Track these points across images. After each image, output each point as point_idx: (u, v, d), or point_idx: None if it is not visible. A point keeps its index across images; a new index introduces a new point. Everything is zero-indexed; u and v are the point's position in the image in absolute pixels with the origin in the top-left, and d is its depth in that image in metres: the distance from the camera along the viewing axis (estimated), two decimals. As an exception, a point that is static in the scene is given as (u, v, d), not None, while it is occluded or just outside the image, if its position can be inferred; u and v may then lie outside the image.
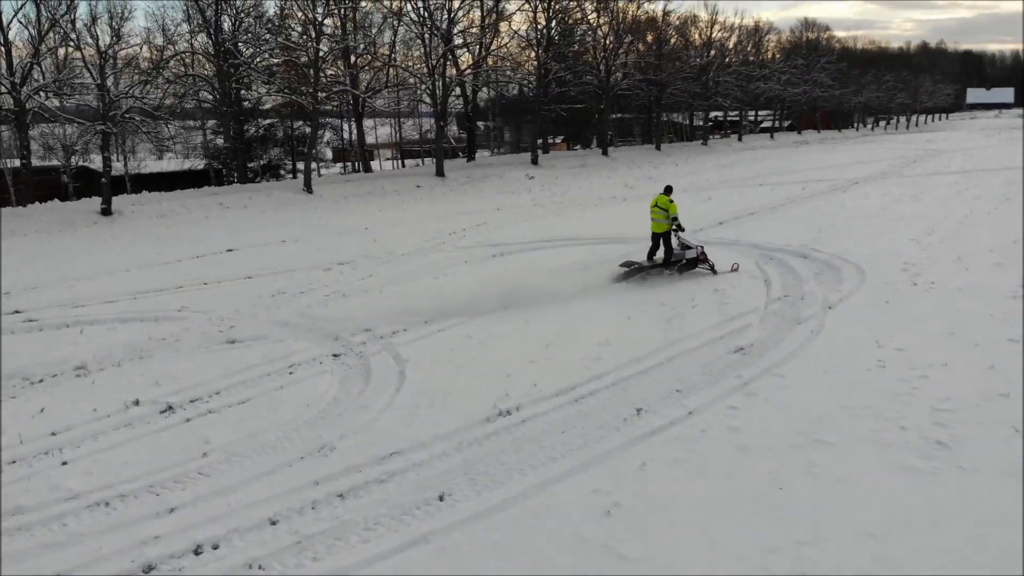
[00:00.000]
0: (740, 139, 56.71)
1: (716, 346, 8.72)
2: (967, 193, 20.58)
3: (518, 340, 9.39)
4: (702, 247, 12.72)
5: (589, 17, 44.51)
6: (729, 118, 67.81)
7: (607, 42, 43.83)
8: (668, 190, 12.77)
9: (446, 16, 33.87)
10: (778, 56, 68.03)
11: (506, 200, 24.71)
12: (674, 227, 12.44)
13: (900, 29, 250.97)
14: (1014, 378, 7.09)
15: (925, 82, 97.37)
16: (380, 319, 10.36)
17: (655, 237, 12.62)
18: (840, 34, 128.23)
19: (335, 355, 9.13)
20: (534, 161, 37.64)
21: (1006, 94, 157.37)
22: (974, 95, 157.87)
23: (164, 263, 15.67)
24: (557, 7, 41.24)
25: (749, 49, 58.97)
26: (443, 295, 11.61)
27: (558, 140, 55.27)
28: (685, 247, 12.57)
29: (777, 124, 73.57)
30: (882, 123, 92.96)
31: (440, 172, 32.85)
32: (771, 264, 12.83)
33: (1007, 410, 6.43)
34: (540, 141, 41.15)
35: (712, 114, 66.86)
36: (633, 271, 12.32)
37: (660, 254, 12.61)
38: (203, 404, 7.67)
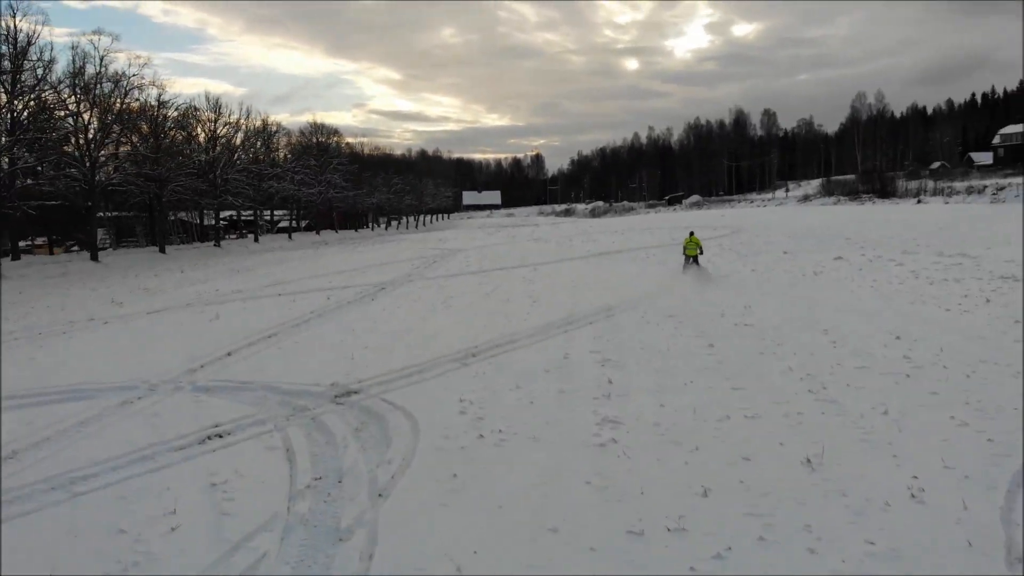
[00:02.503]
0: (257, 240, 53.27)
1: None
2: (494, 295, 19.90)
3: None
4: None
5: (66, 101, 37.28)
6: (245, 217, 64.13)
7: (91, 132, 37.02)
8: None
9: None
10: (289, 156, 67.07)
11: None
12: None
13: (401, 138, 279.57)
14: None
15: (428, 185, 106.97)
16: None
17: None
18: (349, 139, 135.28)
19: None
20: (-12, 273, 28.78)
21: (494, 196, 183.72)
22: (469, 197, 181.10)
23: None
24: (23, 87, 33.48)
25: (259, 147, 56.51)
26: None
27: (39, 241, 45.58)
28: None
29: (296, 224, 72.27)
30: (394, 223, 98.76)
31: None
32: (296, 420, 9.18)
33: None
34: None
35: (228, 213, 62.61)
36: None
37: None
38: None
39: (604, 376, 10.51)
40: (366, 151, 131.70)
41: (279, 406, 9.82)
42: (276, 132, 60.02)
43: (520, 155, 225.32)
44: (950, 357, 10.99)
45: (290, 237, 60.28)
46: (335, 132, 79.73)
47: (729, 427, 8.26)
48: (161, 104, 44.17)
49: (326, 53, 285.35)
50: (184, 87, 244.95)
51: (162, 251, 43.57)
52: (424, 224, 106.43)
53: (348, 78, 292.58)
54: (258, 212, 60.01)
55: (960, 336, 12.44)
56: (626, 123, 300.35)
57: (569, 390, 9.92)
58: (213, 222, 52.92)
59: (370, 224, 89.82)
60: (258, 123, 57.59)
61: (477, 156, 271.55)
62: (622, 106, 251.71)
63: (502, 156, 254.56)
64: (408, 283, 23.80)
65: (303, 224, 72.83)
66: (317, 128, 75.65)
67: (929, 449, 7.38)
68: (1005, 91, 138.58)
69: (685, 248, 24.48)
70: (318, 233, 67.64)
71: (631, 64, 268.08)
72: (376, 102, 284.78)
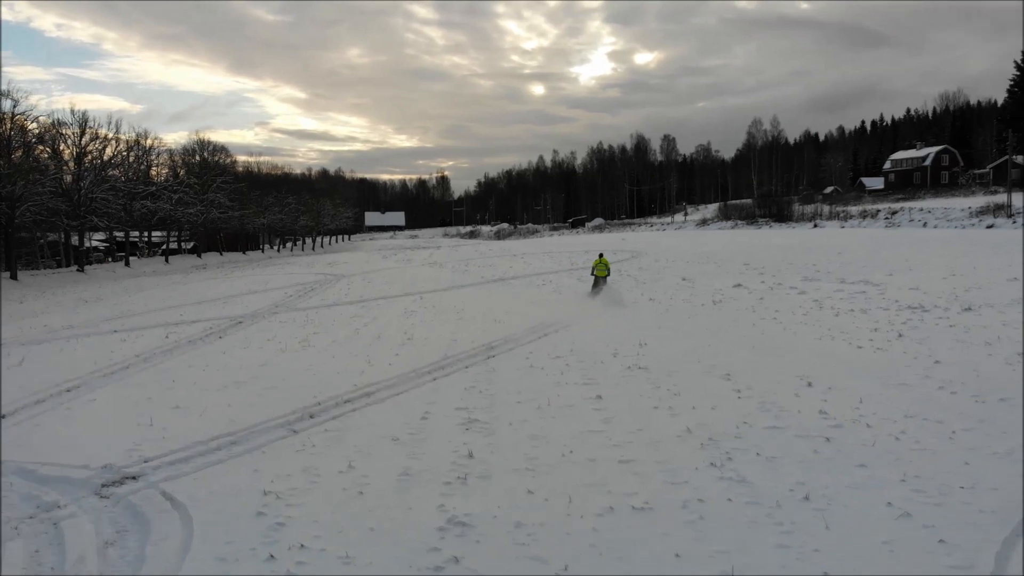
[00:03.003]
0: (127, 264, 48.82)
1: None
2: (365, 331, 17.55)
3: None
4: None
5: None
6: (133, 239, 59.47)
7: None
8: None
9: None
10: (166, 173, 62.68)
11: None
12: None
13: (306, 157, 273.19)
14: None
15: (326, 205, 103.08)
16: None
17: None
18: (244, 157, 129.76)
19: None
20: None
21: (398, 217, 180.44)
22: (371, 218, 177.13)
23: None
24: None
25: (131, 163, 51.99)
26: None
27: None
28: None
29: (179, 246, 67.63)
30: (288, 244, 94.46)
31: None
32: (29, 527, 6.63)
33: None
34: None
35: (109, 234, 57.82)
36: None
37: None
38: None
39: (465, 448, 8.38)
40: (263, 170, 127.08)
41: (21, 502, 7.23)
42: (151, 149, 55.41)
43: (426, 176, 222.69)
44: (872, 410, 9.40)
45: (167, 260, 55.88)
46: (222, 149, 75.38)
47: (610, 528, 6.24)
48: (13, 116, 39.78)
49: (228, 71, 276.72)
50: (79, 104, 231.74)
51: (13, 277, 38.95)
52: (322, 246, 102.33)
53: (251, 96, 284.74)
54: (136, 234, 55.36)
55: (878, 382, 10.94)
56: (534, 147, 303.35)
57: (416, 471, 7.71)
58: (89, 244, 48.17)
59: (262, 246, 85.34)
60: (130, 137, 53.01)
61: (384, 176, 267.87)
62: (529, 130, 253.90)
63: (408, 177, 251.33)
64: (271, 316, 21.11)
65: (188, 246, 68.22)
66: (202, 145, 71.26)
67: (867, 558, 5.57)
68: (893, 119, 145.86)
69: (594, 269, 24.31)
70: (199, 256, 63.17)
71: (538, 89, 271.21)
72: (280, 120, 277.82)
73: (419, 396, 10.90)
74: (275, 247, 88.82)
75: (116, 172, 48.86)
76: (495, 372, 12.46)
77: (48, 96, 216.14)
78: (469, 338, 15.89)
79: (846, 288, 22.62)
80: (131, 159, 51.56)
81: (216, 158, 71.59)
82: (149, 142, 55.69)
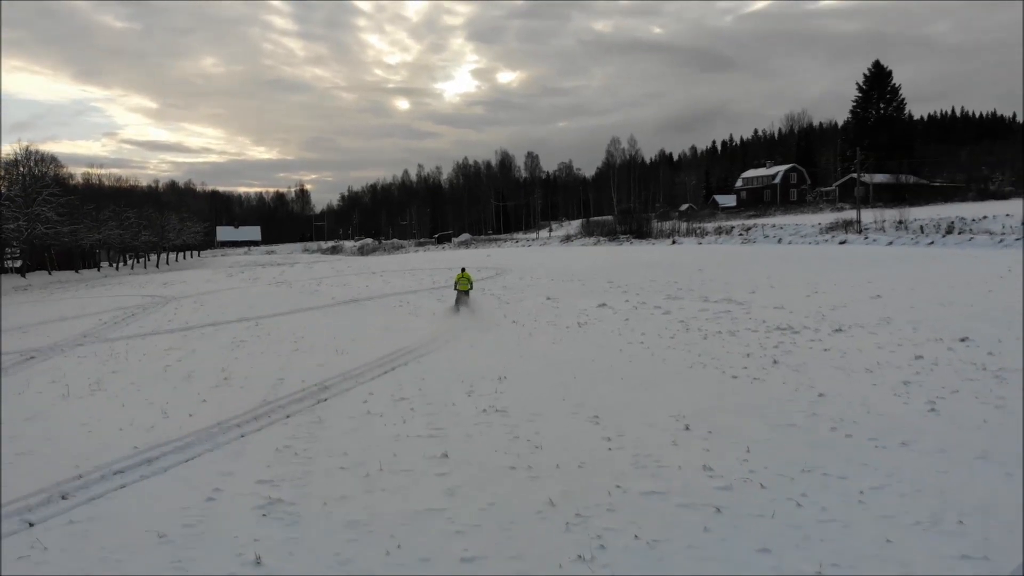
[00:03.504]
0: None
1: None
2: (177, 368, 14.82)
3: None
4: None
5: None
6: None
7: None
8: None
9: None
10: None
11: None
12: None
13: (158, 169, 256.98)
14: None
15: (172, 219, 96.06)
16: None
17: None
18: (86, 169, 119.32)
19: None
20: None
21: (254, 232, 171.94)
22: (224, 232, 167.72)
23: None
24: None
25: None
26: None
27: None
28: None
29: (3, 264, 60.38)
30: (131, 262, 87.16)
31: None
32: None
33: None
34: None
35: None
36: None
37: None
38: None
39: (253, 548, 6.20)
40: (105, 182, 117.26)
41: None
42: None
43: (283, 188, 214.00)
44: (762, 463, 7.98)
45: (-19, 281, 49.32)
46: (52, 160, 68.20)
47: None
48: None
49: (74, 79, 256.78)
50: None
51: None
52: (167, 263, 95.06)
53: (98, 105, 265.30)
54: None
55: (763, 422, 9.61)
56: (401, 161, 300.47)
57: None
58: None
59: (99, 264, 77.98)
60: None
61: (243, 189, 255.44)
62: (396, 144, 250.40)
63: (265, 189, 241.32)
64: (71, 350, 17.83)
65: (17, 265, 60.84)
66: (28, 155, 64.09)
67: None
68: (742, 139, 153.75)
69: (457, 284, 23.93)
70: (23, 276, 56.35)
71: (403, 104, 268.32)
72: (129, 131, 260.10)
73: (213, 463, 8.56)
74: (114, 265, 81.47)
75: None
76: (321, 423, 10.26)
77: None
78: (300, 375, 13.56)
79: (711, 307, 21.88)
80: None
81: (45, 169, 64.24)
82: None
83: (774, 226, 62.52)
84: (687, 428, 9.50)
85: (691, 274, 32.42)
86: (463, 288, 23.40)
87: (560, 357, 14.97)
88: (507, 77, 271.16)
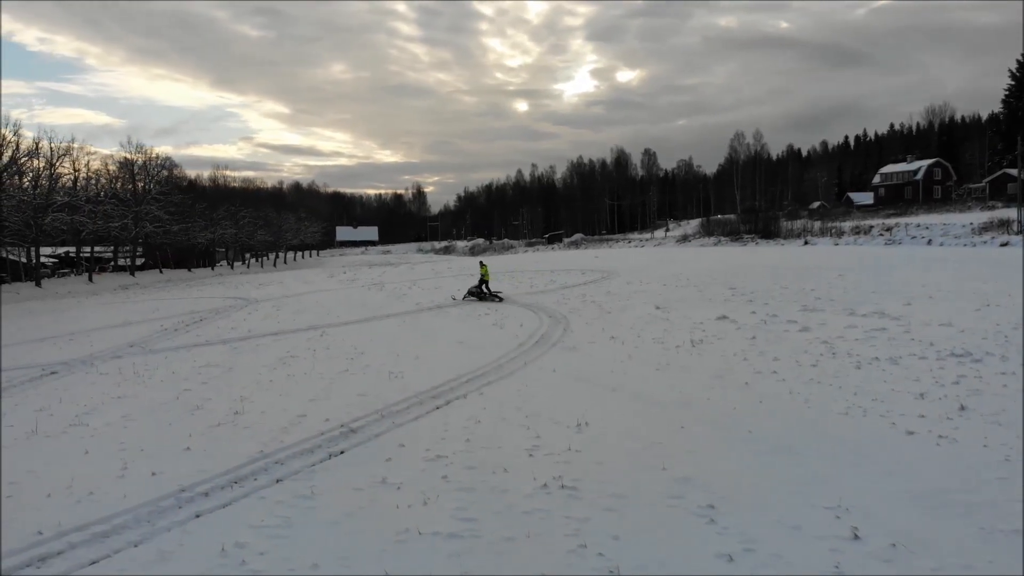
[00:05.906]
0: (39, 284, 43.12)
1: None
2: (191, 396, 12.32)
3: None
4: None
5: None
6: (98, 253, 54.29)
7: None
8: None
9: None
10: (102, 185, 57.07)
11: None
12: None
13: (291, 172, 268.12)
14: None
15: (289, 219, 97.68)
16: None
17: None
18: (214, 172, 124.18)
19: None
20: None
21: (372, 232, 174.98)
22: (343, 232, 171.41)
23: None
24: None
25: (41, 171, 46.09)
26: None
27: None
28: None
29: (132, 262, 62.09)
30: (248, 261, 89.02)
31: None
32: None
33: None
34: None
35: (63, 250, 52.30)
36: None
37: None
38: None
39: None
40: (232, 184, 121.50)
41: None
42: (65, 154, 49.20)
43: (401, 190, 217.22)
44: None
45: (91, 279, 50.22)
46: (167, 160, 69.83)
47: None
48: None
49: (211, 86, 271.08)
50: (61, 118, 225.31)
51: None
52: (285, 262, 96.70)
53: (234, 111, 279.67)
54: (33, 250, 49.40)
55: (970, 525, 5.86)
56: (519, 162, 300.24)
57: None
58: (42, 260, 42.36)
59: (215, 262, 79.70)
60: (25, 142, 46.44)
61: (370, 191, 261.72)
62: (514, 146, 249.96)
63: (383, 191, 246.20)
64: (105, 362, 15.82)
65: (139, 262, 62.46)
66: (141, 153, 65.62)
67: None
68: (877, 134, 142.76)
69: (483, 276, 26.52)
70: (132, 274, 57.43)
71: (522, 106, 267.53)
72: (264, 135, 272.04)
73: (134, 568, 5.70)
74: (230, 263, 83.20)
75: (16, 180, 43.01)
76: (312, 499, 7.28)
77: (30, 110, 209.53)
78: (329, 411, 10.70)
79: (859, 323, 17.65)
80: (39, 167, 45.51)
81: (158, 169, 65.65)
82: (63, 148, 49.55)
83: (919, 225, 56.05)
84: (856, 536, 5.92)
85: (830, 280, 27.80)
86: (487, 278, 26.33)
87: (665, 394, 11.44)
88: (626, 76, 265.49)
